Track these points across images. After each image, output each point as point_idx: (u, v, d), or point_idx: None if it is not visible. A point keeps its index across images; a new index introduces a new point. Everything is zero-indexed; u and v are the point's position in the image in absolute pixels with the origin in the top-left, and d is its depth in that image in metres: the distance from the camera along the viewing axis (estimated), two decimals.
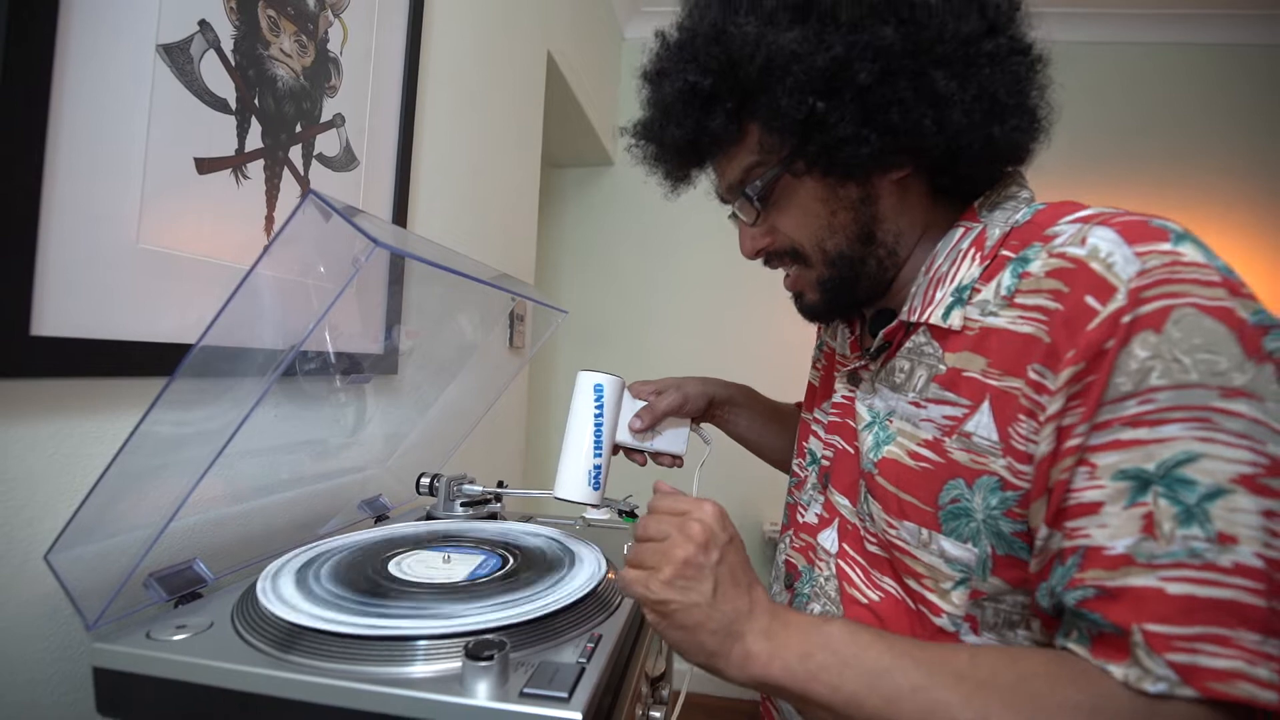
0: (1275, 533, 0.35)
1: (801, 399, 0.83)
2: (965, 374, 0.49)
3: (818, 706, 0.43)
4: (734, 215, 0.62)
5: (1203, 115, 2.41)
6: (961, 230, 0.54)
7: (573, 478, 0.69)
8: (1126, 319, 0.39)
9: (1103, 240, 0.43)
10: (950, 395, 0.49)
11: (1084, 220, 0.46)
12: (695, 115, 0.54)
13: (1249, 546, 0.35)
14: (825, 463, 0.65)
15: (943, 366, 0.51)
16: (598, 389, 0.70)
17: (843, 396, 0.65)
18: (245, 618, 0.52)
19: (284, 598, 0.54)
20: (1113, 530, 0.38)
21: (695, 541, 0.46)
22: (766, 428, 0.87)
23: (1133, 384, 0.39)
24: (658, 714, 0.65)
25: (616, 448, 0.74)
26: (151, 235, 0.61)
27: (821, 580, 0.60)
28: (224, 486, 0.70)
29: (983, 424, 0.46)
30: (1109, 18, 2.42)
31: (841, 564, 0.58)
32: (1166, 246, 0.41)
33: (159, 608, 0.55)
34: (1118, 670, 0.37)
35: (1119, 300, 0.40)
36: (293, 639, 0.48)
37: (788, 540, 0.69)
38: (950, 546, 0.48)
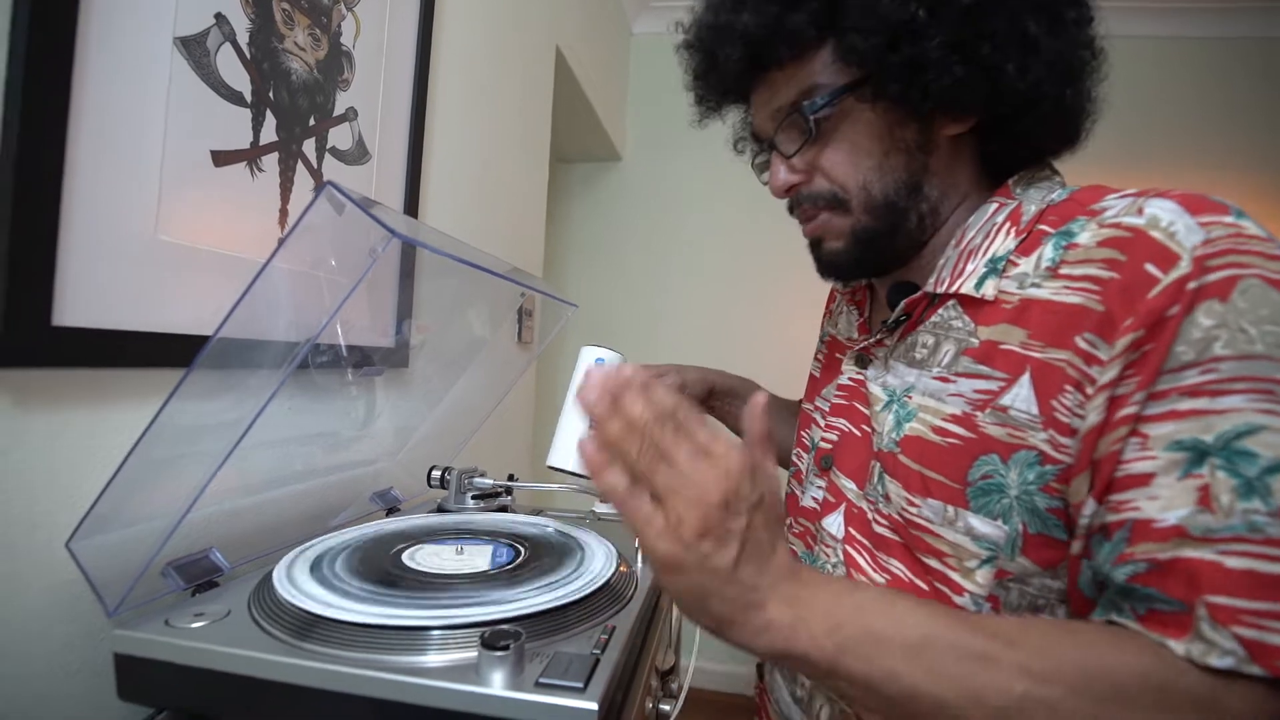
0: None
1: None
2: (1002, 346, 0.47)
3: (847, 682, 0.38)
4: (762, 153, 0.58)
5: (1199, 109, 2.39)
6: (996, 205, 0.53)
7: (565, 446, 0.72)
8: (1192, 285, 0.38)
9: (1162, 210, 0.41)
10: (984, 369, 0.48)
11: (1136, 195, 0.45)
12: (778, 4, 0.49)
13: None
14: (826, 446, 0.62)
15: (975, 340, 0.49)
16: (599, 361, 0.72)
17: (850, 379, 0.62)
18: (262, 606, 0.52)
19: (300, 587, 0.54)
20: (1164, 502, 0.37)
21: (728, 489, 0.37)
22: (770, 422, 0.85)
23: (1195, 353, 0.37)
24: (667, 707, 0.65)
25: None
26: (169, 227, 0.61)
27: (829, 567, 0.58)
28: (239, 478, 0.71)
29: (1021, 397, 0.45)
30: (1106, 11, 2.41)
31: (848, 549, 0.56)
32: (1230, 219, 0.40)
33: (177, 596, 0.56)
34: (1178, 646, 0.36)
35: (1183, 267, 0.39)
36: (309, 628, 0.48)
37: (785, 528, 0.66)
38: (979, 523, 0.46)
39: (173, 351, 0.61)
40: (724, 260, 2.59)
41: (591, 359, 0.72)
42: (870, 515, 0.55)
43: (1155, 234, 0.41)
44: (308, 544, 0.66)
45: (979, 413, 0.47)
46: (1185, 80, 2.41)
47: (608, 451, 0.39)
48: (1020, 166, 0.54)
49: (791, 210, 0.59)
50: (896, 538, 0.52)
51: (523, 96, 1.56)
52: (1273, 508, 0.34)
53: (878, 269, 0.60)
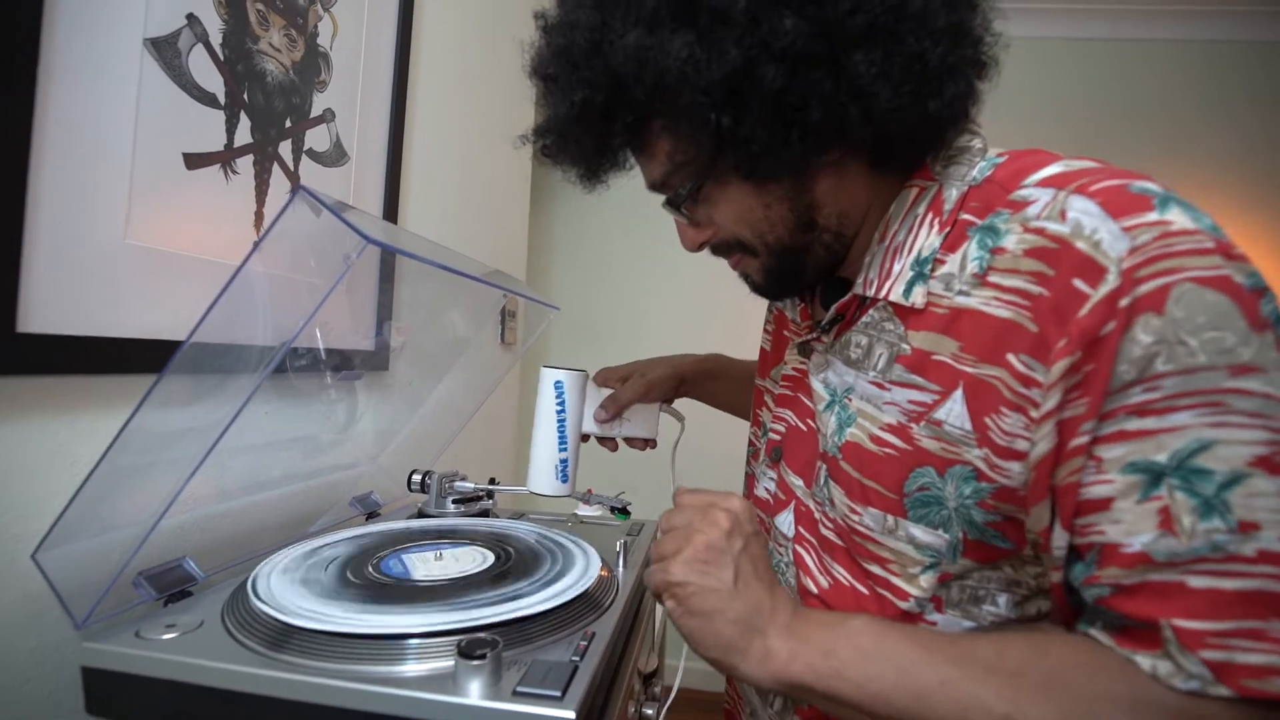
0: None
1: None
2: (934, 357, 0.46)
3: (843, 705, 0.41)
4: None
5: (1196, 112, 2.43)
6: (916, 191, 0.50)
7: (540, 471, 0.73)
8: (1124, 302, 0.37)
9: (1085, 214, 0.39)
10: (917, 379, 0.46)
11: (1055, 184, 0.42)
12: (594, 132, 0.49)
13: (1272, 531, 0.34)
14: (775, 437, 0.62)
15: (906, 347, 0.48)
16: (558, 385, 0.73)
17: (794, 369, 0.62)
18: (236, 616, 0.51)
19: (275, 596, 0.53)
20: (1127, 526, 0.37)
21: (719, 527, 0.45)
22: (745, 391, 0.83)
23: (1137, 371, 0.36)
24: (650, 710, 0.65)
25: (586, 437, 0.77)
26: (140, 231, 0.60)
27: (781, 565, 0.58)
28: (214, 484, 0.69)
29: (955, 412, 0.44)
30: (1104, 14, 2.43)
31: (797, 548, 0.56)
32: (1154, 216, 0.38)
33: (148, 606, 0.55)
34: (1145, 661, 0.36)
35: (1111, 282, 0.37)
36: (284, 638, 0.48)
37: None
38: (920, 533, 0.46)
39: (144, 357, 0.60)
40: (708, 261, 2.59)
41: (550, 382, 0.73)
42: (818, 516, 0.55)
43: (1080, 245, 0.39)
44: (284, 551, 0.65)
45: (914, 424, 0.46)
46: (1181, 83, 2.44)
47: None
48: (907, 156, 0.50)
49: (714, 254, 0.59)
50: (840, 543, 0.53)
51: (504, 97, 1.55)
52: (1232, 525, 0.34)
53: (806, 287, 0.60)
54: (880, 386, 0.49)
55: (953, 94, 0.45)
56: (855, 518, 0.50)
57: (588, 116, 0.48)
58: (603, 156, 0.53)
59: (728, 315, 2.62)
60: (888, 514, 0.48)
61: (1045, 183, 0.43)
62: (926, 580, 0.47)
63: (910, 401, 0.47)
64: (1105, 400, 0.37)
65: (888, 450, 0.48)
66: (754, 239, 0.53)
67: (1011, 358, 0.41)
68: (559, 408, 0.73)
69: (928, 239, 0.48)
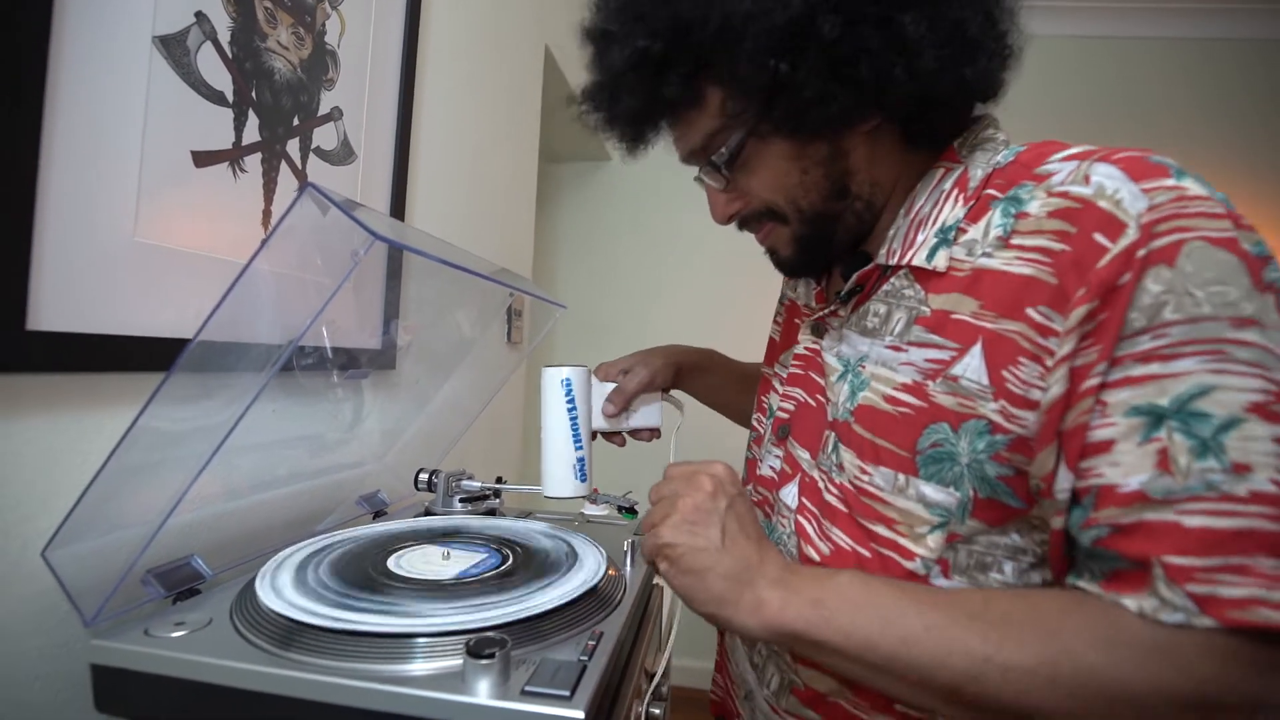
0: None
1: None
2: (954, 316, 0.48)
3: (832, 653, 0.43)
4: (700, 179, 0.60)
5: (1196, 109, 2.42)
6: (942, 171, 0.53)
7: (559, 474, 0.71)
8: (1141, 253, 0.39)
9: (1107, 178, 0.42)
10: (935, 338, 0.48)
11: (1079, 158, 0.45)
12: (648, 83, 0.51)
13: (1263, 473, 0.36)
14: (783, 415, 0.64)
15: (926, 309, 0.50)
16: (565, 383, 0.71)
17: (806, 348, 0.63)
18: (244, 614, 0.51)
19: (283, 594, 0.53)
20: (1126, 468, 0.39)
21: (703, 490, 0.47)
22: (735, 389, 0.89)
23: (1146, 319, 0.39)
24: (657, 710, 0.64)
25: (595, 434, 0.76)
26: (148, 229, 0.60)
27: (784, 535, 0.60)
28: (222, 482, 0.70)
29: (972, 367, 0.46)
30: (1106, 12, 2.42)
31: (799, 518, 0.58)
32: (1171, 182, 0.41)
33: (157, 604, 0.55)
34: (1131, 602, 0.38)
35: (1130, 235, 0.40)
36: (292, 636, 0.48)
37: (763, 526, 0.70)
38: (931, 491, 0.47)
39: (152, 355, 0.60)
40: (714, 259, 2.59)
41: (557, 381, 0.71)
42: (822, 484, 0.56)
43: (1103, 204, 0.41)
44: (292, 550, 0.65)
45: (930, 382, 0.48)
46: (1186, 82, 2.43)
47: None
48: (951, 128, 0.54)
49: (741, 228, 0.61)
50: (844, 508, 0.53)
51: (511, 96, 1.55)
52: (1226, 465, 0.36)
53: (832, 262, 0.61)
54: (897, 349, 0.51)
55: (985, 66, 0.48)
56: (865, 478, 0.51)
57: (645, 65, 0.50)
58: (652, 109, 0.54)
59: (734, 315, 2.62)
60: (899, 472, 0.49)
61: (1068, 158, 0.46)
62: (934, 540, 0.48)
63: (927, 360, 0.48)
64: (1116, 346, 0.39)
65: (902, 409, 0.49)
66: (787, 205, 0.55)
67: (1031, 311, 0.43)
68: (570, 405, 0.72)
69: (952, 211, 0.50)
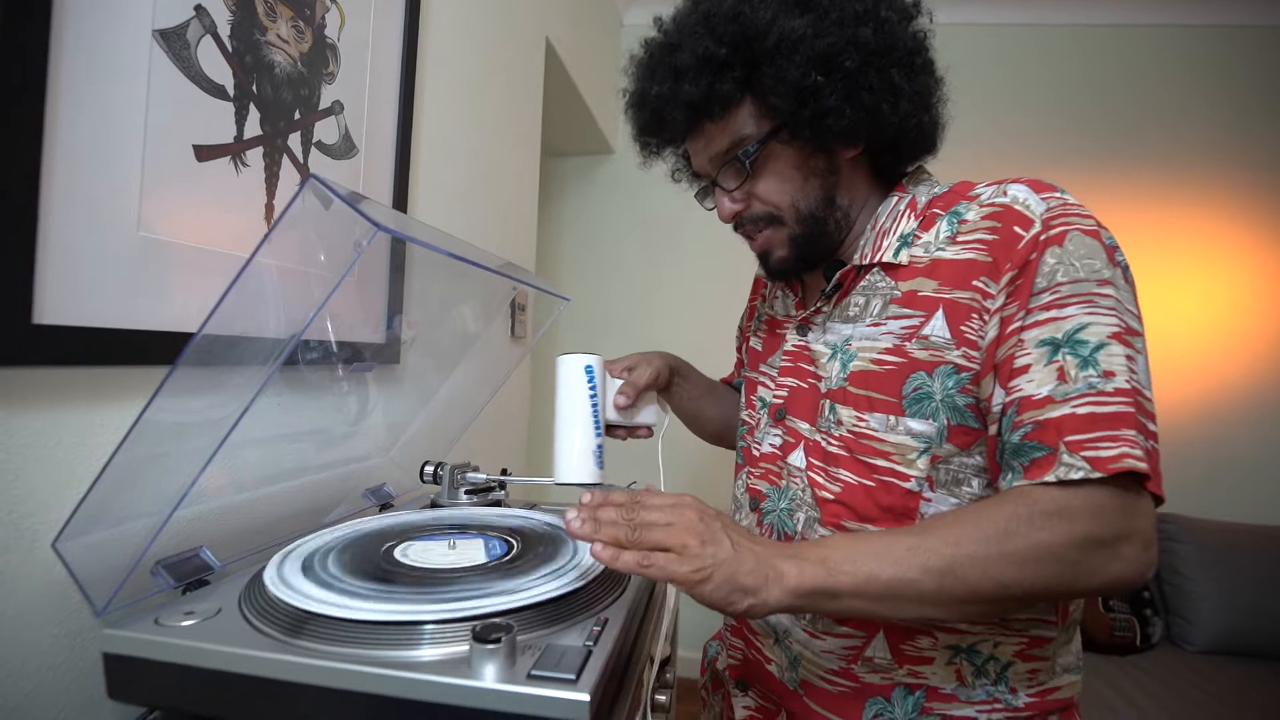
0: (1132, 369, 0.53)
1: (737, 379, 1.00)
2: (920, 294, 0.64)
3: (848, 597, 0.52)
4: (705, 190, 0.76)
5: (1197, 96, 2.40)
6: (896, 197, 0.70)
7: (578, 460, 0.72)
8: (1042, 238, 0.57)
9: (1019, 190, 0.61)
10: (907, 310, 0.65)
11: (997, 183, 0.64)
12: (708, 77, 0.64)
13: (1122, 377, 0.53)
14: (778, 401, 0.77)
15: (898, 292, 0.66)
16: (589, 369, 0.73)
17: (794, 346, 0.77)
18: (253, 604, 0.52)
19: (291, 584, 0.54)
20: (1038, 382, 0.55)
21: (697, 516, 0.53)
22: (705, 399, 0.97)
23: (1046, 281, 0.56)
24: (663, 697, 0.65)
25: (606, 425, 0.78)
26: (151, 223, 0.61)
27: (798, 491, 0.71)
28: (229, 475, 0.70)
29: (937, 327, 0.62)
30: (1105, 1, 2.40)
31: (810, 474, 0.70)
32: (1058, 195, 0.60)
33: (166, 595, 0.55)
34: (1050, 476, 0.52)
35: (1036, 226, 0.58)
36: (300, 624, 0.48)
37: (745, 476, 0.80)
38: (916, 424, 0.63)
39: (157, 349, 0.61)
40: (718, 253, 2.58)
41: (580, 367, 0.73)
42: (824, 442, 0.70)
43: (1017, 207, 0.60)
44: (299, 541, 0.66)
45: (907, 343, 0.64)
46: (1181, 68, 2.41)
47: (610, 549, 0.51)
48: (899, 172, 0.73)
49: (736, 229, 0.74)
50: (846, 453, 0.67)
51: (512, 90, 1.55)
52: (1099, 372, 0.53)
53: (814, 264, 0.75)
54: (877, 325, 0.67)
55: (932, 119, 0.69)
56: (862, 424, 0.66)
57: (709, 63, 0.63)
58: (698, 108, 0.66)
59: (735, 309, 2.61)
60: (889, 415, 0.64)
61: (989, 185, 0.65)
62: (922, 463, 0.63)
63: (903, 328, 0.65)
64: (1029, 300, 0.57)
65: (887, 366, 0.65)
66: (788, 208, 0.69)
67: (975, 282, 0.61)
68: (592, 392, 0.73)
69: (908, 224, 0.68)
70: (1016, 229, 0.59)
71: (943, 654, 0.64)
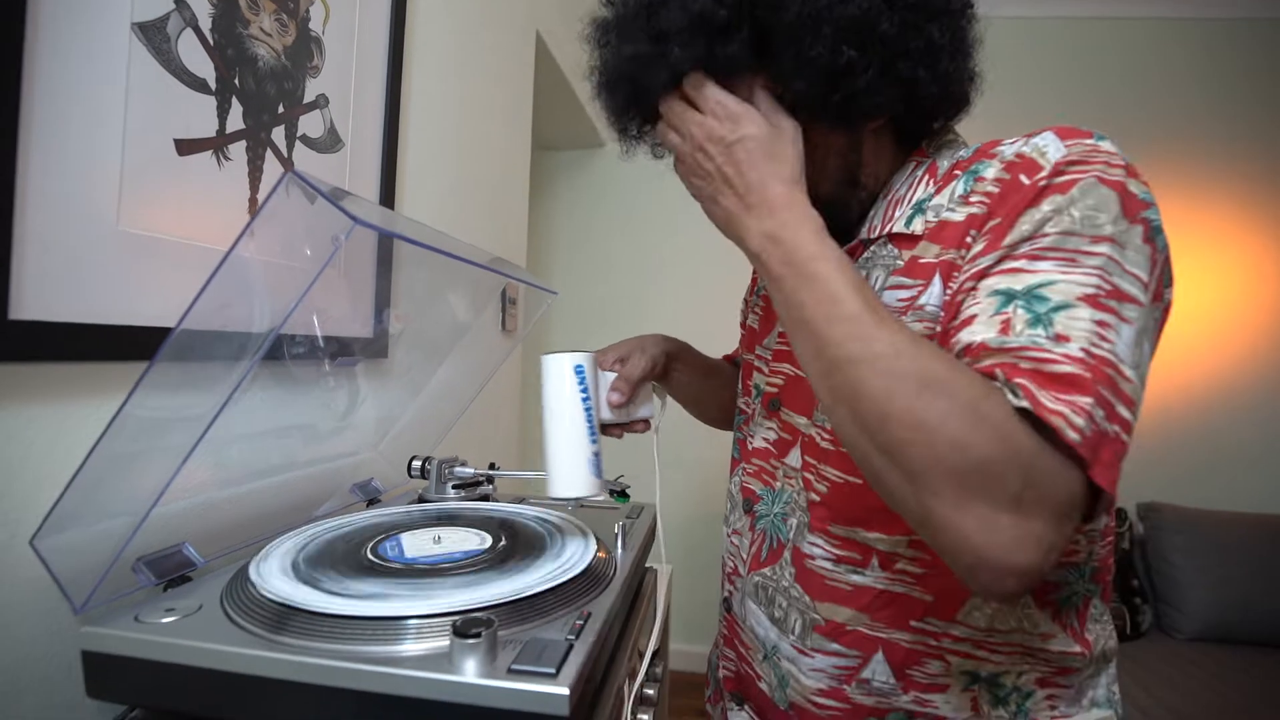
0: (1104, 337, 0.44)
1: (736, 354, 0.92)
2: (921, 260, 0.56)
3: (777, 266, 0.52)
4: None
5: (1195, 88, 2.40)
6: (914, 163, 0.62)
7: (575, 472, 0.64)
8: (1043, 184, 0.49)
9: (1043, 138, 0.52)
10: (905, 280, 0.57)
11: (1027, 136, 0.54)
12: (705, 39, 0.54)
13: (1078, 343, 0.43)
14: (772, 389, 0.70)
15: (900, 261, 0.58)
16: (579, 370, 0.65)
17: None
18: (235, 600, 0.52)
19: (274, 580, 0.54)
20: (977, 331, 0.47)
21: (708, 134, 0.55)
22: (706, 382, 0.88)
23: (1032, 229, 0.48)
24: (651, 690, 0.65)
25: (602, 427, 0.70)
26: (131, 218, 0.60)
27: (793, 494, 0.65)
28: (214, 471, 0.70)
29: (934, 293, 0.55)
30: None
31: (806, 474, 0.64)
32: (1090, 141, 0.50)
33: (148, 592, 0.55)
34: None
35: (1044, 172, 0.49)
36: (282, 620, 0.48)
37: (739, 472, 0.74)
38: None
39: (137, 344, 0.60)
40: (710, 246, 2.57)
41: (569, 368, 0.65)
42: (817, 436, 0.63)
43: (1033, 155, 0.51)
44: (284, 536, 0.65)
45: (903, 318, 0.56)
46: (1180, 61, 2.42)
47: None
48: (926, 130, 0.63)
49: None
50: (833, 448, 0.61)
51: (502, 83, 1.54)
52: (1050, 334, 0.44)
53: None
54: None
55: (971, 74, 0.59)
56: None
57: (705, 23, 0.53)
58: (708, 64, 0.55)
59: (728, 301, 2.61)
60: None
61: (1016, 140, 0.54)
62: None
63: (899, 300, 0.57)
64: (1000, 246, 0.49)
65: None
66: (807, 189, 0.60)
67: (967, 238, 0.53)
68: (584, 395, 0.65)
69: (924, 191, 0.59)
70: (1022, 177, 0.50)
71: (958, 680, 0.58)
